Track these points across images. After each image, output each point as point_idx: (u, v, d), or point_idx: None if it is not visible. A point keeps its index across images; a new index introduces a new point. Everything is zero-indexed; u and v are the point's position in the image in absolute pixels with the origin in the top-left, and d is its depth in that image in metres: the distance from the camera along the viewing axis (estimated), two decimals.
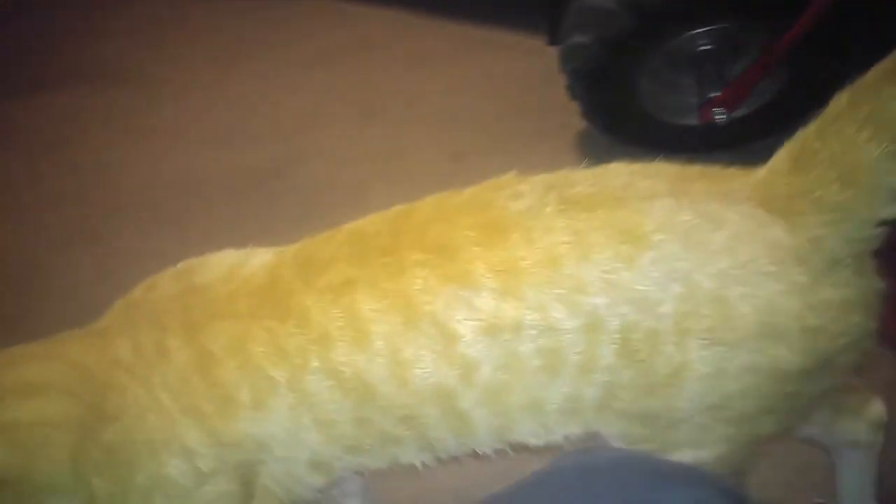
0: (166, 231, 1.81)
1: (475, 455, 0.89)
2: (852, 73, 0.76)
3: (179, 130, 2.21)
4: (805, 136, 0.79)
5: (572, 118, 1.90)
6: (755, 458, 0.88)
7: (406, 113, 2.17)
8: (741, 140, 1.66)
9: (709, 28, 1.58)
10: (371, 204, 1.86)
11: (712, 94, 1.60)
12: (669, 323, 0.75)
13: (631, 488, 0.63)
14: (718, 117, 1.59)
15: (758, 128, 1.65)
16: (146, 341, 0.86)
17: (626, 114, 1.72)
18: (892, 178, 0.73)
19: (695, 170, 0.83)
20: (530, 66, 2.30)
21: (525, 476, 0.66)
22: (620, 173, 0.84)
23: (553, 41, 1.98)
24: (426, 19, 2.66)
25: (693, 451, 0.82)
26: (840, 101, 0.76)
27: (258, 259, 0.91)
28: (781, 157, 0.80)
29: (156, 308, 0.90)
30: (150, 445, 0.83)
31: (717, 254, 0.76)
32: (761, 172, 0.81)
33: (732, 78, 1.60)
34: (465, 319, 0.79)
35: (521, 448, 0.87)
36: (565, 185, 0.84)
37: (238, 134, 2.18)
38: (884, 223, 0.75)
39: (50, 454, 0.80)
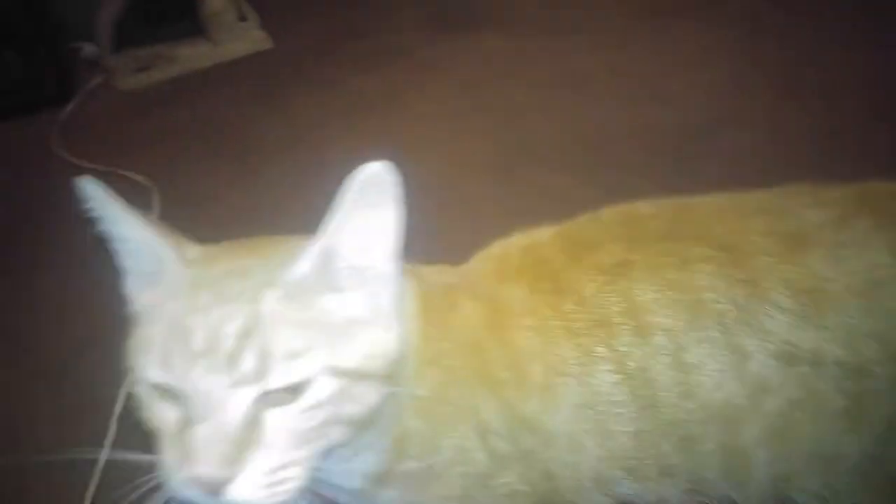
0: (575, 175, 1.92)
1: None
2: None
3: (593, 82, 2.32)
4: None
5: None
6: None
7: (837, 92, 2.04)
8: None
9: None
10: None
11: None
12: None
13: None
14: None
15: None
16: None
17: None
18: None
19: None
20: None
21: None
22: None
23: None
24: None
25: None
26: None
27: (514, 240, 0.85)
28: None
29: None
30: (455, 412, 0.75)
31: None
32: None
33: None
34: (753, 336, 0.70)
35: None
36: (884, 197, 0.73)
37: (652, 93, 2.23)
38: None
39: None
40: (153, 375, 0.64)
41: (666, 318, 0.72)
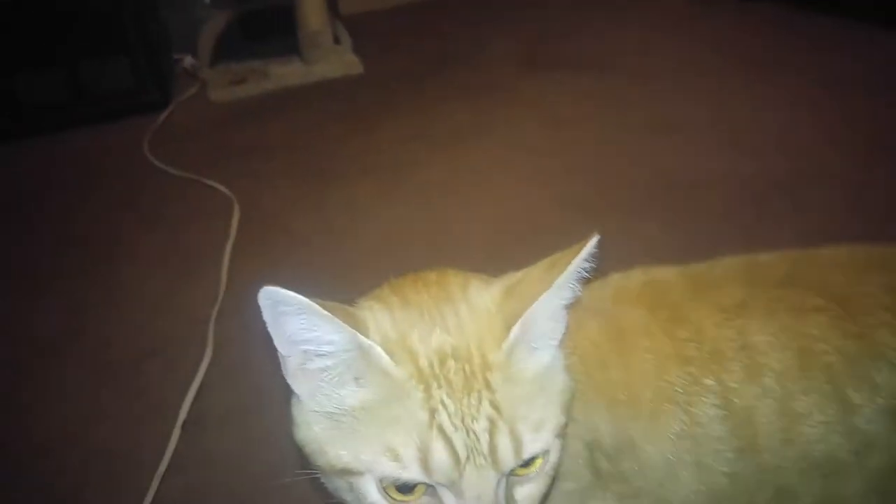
0: (661, 220, 1.86)
1: None
2: None
3: (682, 129, 2.26)
4: None
5: None
6: None
7: None
8: None
9: None
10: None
11: None
12: None
13: None
14: None
15: None
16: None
17: None
18: None
19: None
20: None
21: None
22: None
23: None
24: None
25: None
26: None
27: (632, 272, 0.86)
28: None
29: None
30: (576, 427, 0.74)
31: None
32: None
33: None
34: (862, 390, 0.70)
35: None
36: None
37: (739, 142, 2.16)
38: None
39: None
40: (410, 475, 0.63)
41: (778, 361, 0.73)
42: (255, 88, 2.89)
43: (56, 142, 2.61)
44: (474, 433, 0.62)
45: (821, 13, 2.82)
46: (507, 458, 0.63)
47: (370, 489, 0.64)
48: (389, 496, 0.64)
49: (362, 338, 0.63)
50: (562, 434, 0.67)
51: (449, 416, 0.62)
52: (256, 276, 1.76)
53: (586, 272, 0.67)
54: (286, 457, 1.31)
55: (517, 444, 0.63)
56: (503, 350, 0.65)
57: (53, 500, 1.32)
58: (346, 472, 0.65)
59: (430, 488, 0.64)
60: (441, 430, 0.62)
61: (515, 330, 0.65)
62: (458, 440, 0.62)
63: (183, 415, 1.41)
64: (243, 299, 1.88)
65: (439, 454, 0.62)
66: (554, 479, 0.69)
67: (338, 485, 0.67)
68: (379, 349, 0.64)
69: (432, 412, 0.63)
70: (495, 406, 0.63)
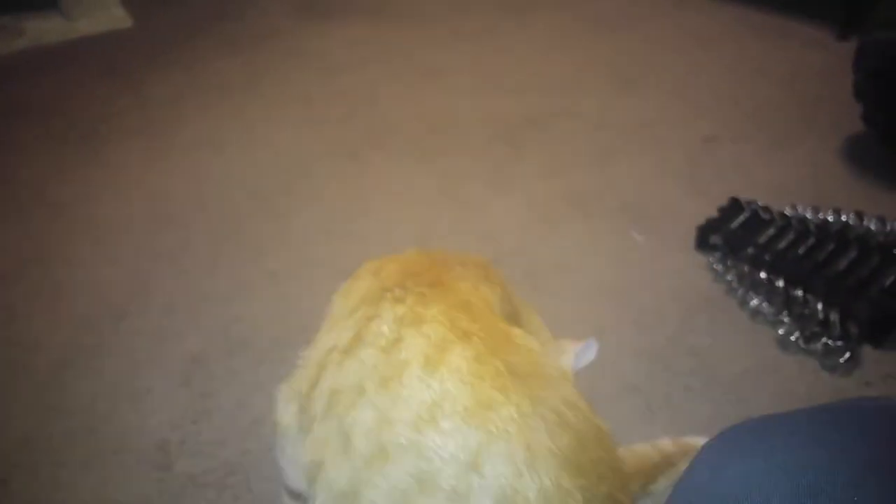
0: (415, 161, 1.94)
1: None
2: None
3: (448, 73, 2.35)
4: None
5: (844, 119, 1.81)
6: None
7: (666, 88, 2.16)
8: None
9: None
10: (612, 172, 1.91)
11: None
12: None
13: None
14: None
15: None
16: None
17: None
18: None
19: None
20: (808, 58, 2.21)
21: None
22: None
23: (845, 36, 1.86)
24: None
25: None
26: None
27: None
28: None
29: None
30: None
31: None
32: None
33: None
34: None
35: None
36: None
37: (500, 83, 2.28)
38: None
39: None
40: None
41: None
42: (5, 47, 2.65)
43: None
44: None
45: None
46: None
47: None
48: None
49: None
50: None
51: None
52: (7, 252, 1.68)
53: None
54: (39, 435, 1.28)
55: None
56: None
57: None
58: None
59: None
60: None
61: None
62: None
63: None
64: None
65: None
66: None
67: None
68: None
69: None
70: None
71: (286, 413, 0.85)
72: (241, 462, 1.21)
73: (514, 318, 0.91)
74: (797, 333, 1.34)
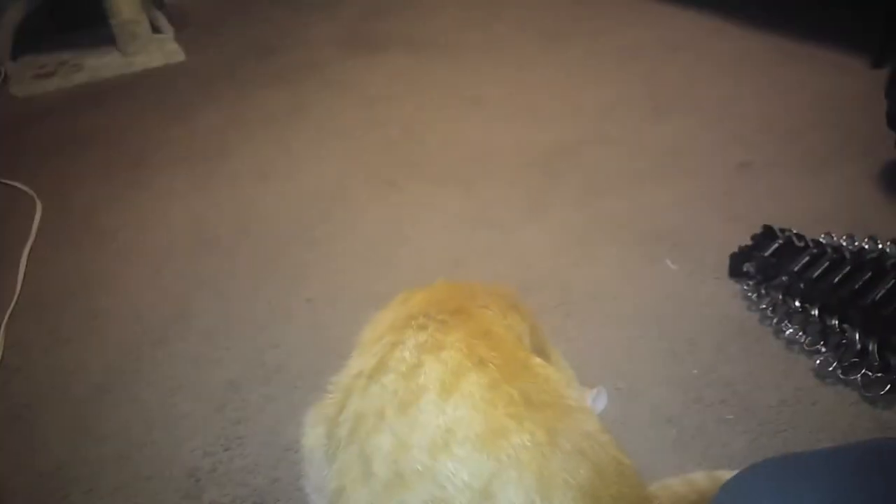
0: (451, 189, 1.97)
1: None
2: None
3: (484, 103, 2.38)
4: None
5: (880, 147, 1.78)
6: None
7: (701, 115, 2.16)
8: None
9: None
10: (646, 199, 1.91)
11: None
12: None
13: None
14: None
15: None
16: None
17: None
18: None
19: None
20: (844, 86, 2.19)
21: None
22: None
23: (879, 63, 1.84)
24: (741, 27, 2.61)
25: None
26: None
27: None
28: None
29: None
30: None
31: None
32: None
33: None
34: None
35: None
36: None
37: (536, 112, 2.30)
38: None
39: None
40: None
41: None
42: (65, 81, 2.78)
43: None
44: None
45: None
46: None
47: None
48: None
49: None
50: None
51: None
52: (55, 278, 1.76)
53: None
54: (73, 460, 1.34)
55: None
56: None
57: None
58: None
59: None
60: None
61: None
62: None
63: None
64: (39, 301, 1.81)
65: None
66: None
67: None
68: None
69: None
70: None
71: (312, 435, 0.87)
72: (271, 490, 1.23)
73: (541, 350, 0.91)
74: (835, 364, 1.31)
